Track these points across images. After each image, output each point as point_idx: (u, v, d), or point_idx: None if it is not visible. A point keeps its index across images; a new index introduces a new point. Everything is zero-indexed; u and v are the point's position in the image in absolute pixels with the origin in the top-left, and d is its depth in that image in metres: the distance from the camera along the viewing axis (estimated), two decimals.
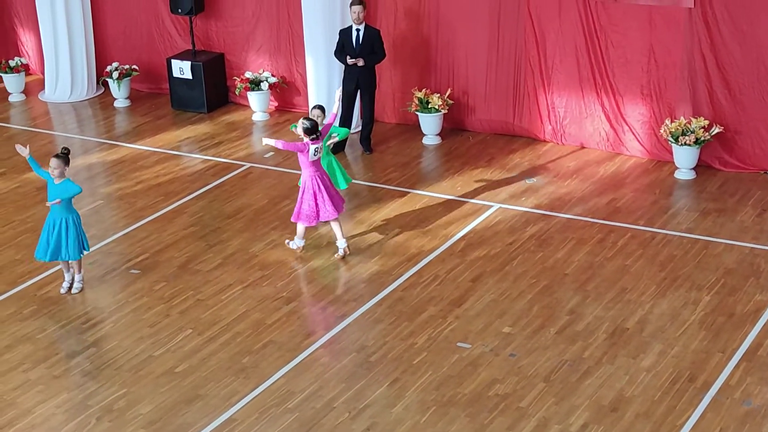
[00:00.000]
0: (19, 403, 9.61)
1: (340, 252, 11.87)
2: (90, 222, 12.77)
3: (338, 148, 14.17)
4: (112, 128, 15.78)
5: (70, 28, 16.49)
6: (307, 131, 11.57)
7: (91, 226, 12.69)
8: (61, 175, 11.06)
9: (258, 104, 15.85)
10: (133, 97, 16.68)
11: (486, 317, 10.65)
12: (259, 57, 16.07)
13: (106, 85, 16.86)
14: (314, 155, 11.62)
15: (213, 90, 16.15)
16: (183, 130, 15.56)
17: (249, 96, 15.88)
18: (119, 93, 16.50)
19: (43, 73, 17.25)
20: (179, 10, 15.98)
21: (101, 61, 16.92)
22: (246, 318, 10.80)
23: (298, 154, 11.62)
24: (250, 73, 15.90)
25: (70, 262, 11.27)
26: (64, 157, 11.09)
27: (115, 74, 16.38)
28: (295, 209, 11.82)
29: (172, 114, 16.15)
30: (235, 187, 13.70)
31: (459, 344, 10.23)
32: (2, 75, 16.96)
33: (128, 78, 16.52)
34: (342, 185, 12.47)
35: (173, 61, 16.06)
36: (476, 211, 12.80)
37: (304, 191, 11.72)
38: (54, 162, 11.04)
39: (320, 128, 11.72)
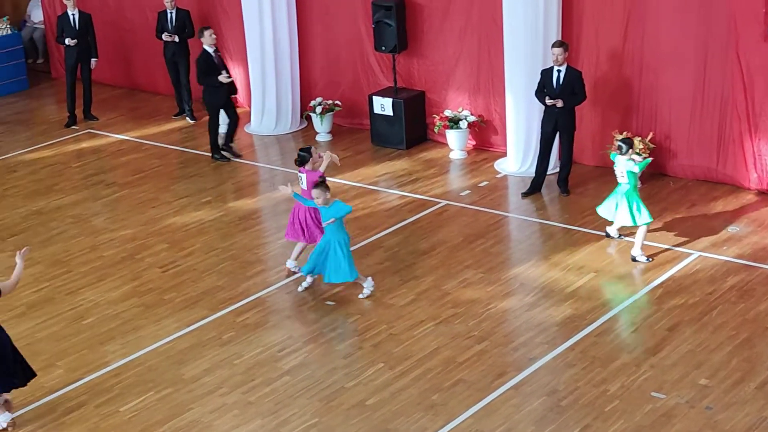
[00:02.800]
0: (215, 426, 9.88)
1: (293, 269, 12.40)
2: (287, 253, 13.04)
3: (534, 189, 14.21)
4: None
5: (277, 63, 16.98)
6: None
7: (288, 257, 12.95)
8: (326, 202, 11.56)
9: (456, 142, 15.93)
10: (335, 131, 17.02)
11: (682, 367, 10.36)
12: (458, 95, 16.16)
13: (309, 119, 17.27)
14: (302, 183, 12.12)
15: (412, 127, 16.33)
16: (381, 165, 15.77)
17: (447, 134, 15.98)
18: (321, 127, 16.86)
19: (250, 107, 17.80)
20: (383, 48, 16.24)
21: (305, 96, 17.34)
22: (437, 354, 10.81)
23: None
24: (450, 111, 16.02)
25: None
26: (322, 184, 11.63)
27: (319, 109, 16.76)
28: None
29: (371, 149, 16.40)
30: (431, 224, 13.78)
31: (653, 394, 9.98)
32: None
33: (331, 113, 16.87)
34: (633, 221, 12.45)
35: (375, 97, 16.32)
36: (675, 258, 12.50)
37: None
38: (315, 192, 11.58)
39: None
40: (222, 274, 12.69)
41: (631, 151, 12.34)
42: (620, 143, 12.42)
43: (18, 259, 9.92)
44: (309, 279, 12.15)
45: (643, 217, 12.39)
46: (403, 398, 10.12)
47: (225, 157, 16.13)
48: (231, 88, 16.04)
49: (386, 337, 11.19)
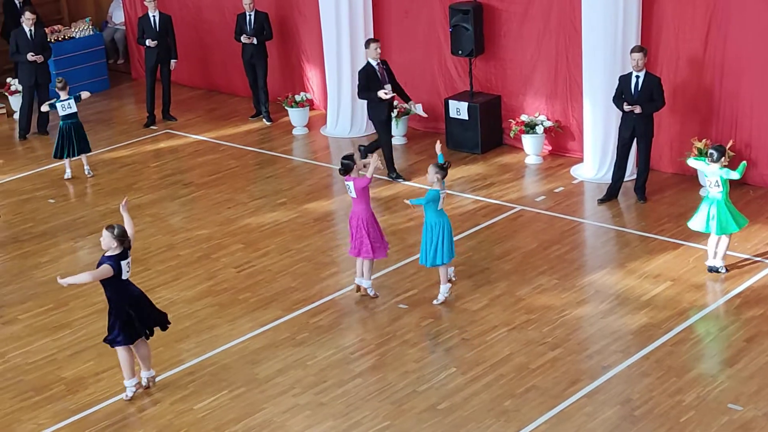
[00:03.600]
0: (287, 426, 9.94)
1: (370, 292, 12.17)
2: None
3: (610, 196, 14.09)
4: None
5: (353, 66, 17.03)
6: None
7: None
8: (431, 184, 11.75)
9: (532, 147, 15.86)
10: (410, 135, 17.04)
11: (760, 379, 10.20)
12: (535, 100, 16.09)
13: None
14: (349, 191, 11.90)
15: (488, 131, 16.29)
16: (456, 169, 15.74)
17: (523, 139, 15.92)
18: (397, 131, 16.87)
19: (325, 109, 17.88)
20: (460, 52, 16.22)
21: None
22: (510, 361, 10.77)
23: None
24: (526, 116, 15.95)
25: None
26: (444, 170, 11.68)
27: (395, 112, 16.76)
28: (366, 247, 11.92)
29: (446, 154, 16.37)
30: (506, 228, 13.73)
31: (730, 406, 9.84)
32: (288, 109, 17.69)
33: (406, 116, 16.89)
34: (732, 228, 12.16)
35: (451, 101, 16.31)
36: (755, 268, 12.31)
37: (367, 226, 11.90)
38: (433, 169, 11.66)
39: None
40: (296, 275, 12.77)
41: (723, 158, 12.07)
42: (712, 150, 12.10)
43: (123, 212, 10.58)
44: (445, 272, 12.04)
45: (733, 225, 12.10)
46: (474, 403, 10.10)
47: (400, 176, 15.33)
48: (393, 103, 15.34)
49: (459, 341, 11.18)
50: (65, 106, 15.88)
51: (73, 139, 15.94)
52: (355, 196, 11.89)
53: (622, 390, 10.18)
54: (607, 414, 9.82)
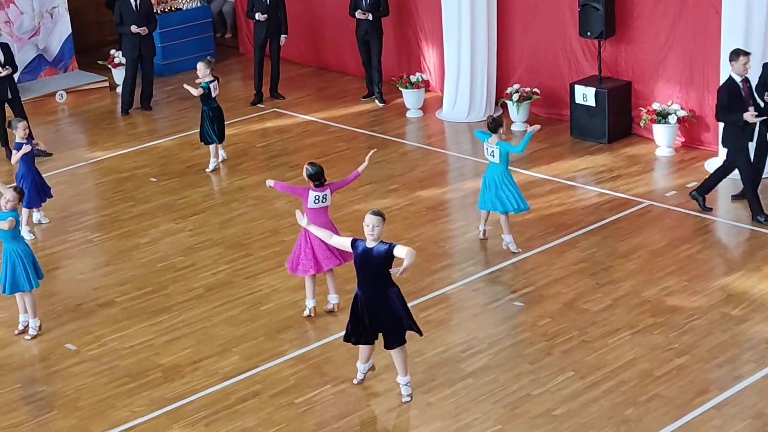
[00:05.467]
0: (392, 426, 10.00)
1: (329, 306, 11.93)
2: (474, 248, 13.10)
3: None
4: None
5: (473, 47, 17.00)
6: (310, 177, 11.52)
7: (476, 252, 13.02)
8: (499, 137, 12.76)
9: (663, 138, 15.64)
10: (532, 121, 16.91)
11: None
12: (668, 87, 15.86)
13: (504, 107, 17.23)
14: (314, 203, 11.48)
15: (616, 120, 16.11)
16: (580, 159, 15.61)
17: (654, 129, 15.71)
18: (517, 116, 16.81)
19: (442, 91, 17.88)
20: (588, 34, 16.06)
21: (502, 82, 17.31)
22: (633, 366, 10.66)
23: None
24: (658, 104, 15.73)
25: None
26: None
27: (515, 96, 16.70)
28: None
29: (570, 142, 16.26)
30: (632, 224, 13.58)
31: None
32: (402, 90, 17.72)
33: (528, 101, 16.80)
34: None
35: (577, 86, 16.17)
36: None
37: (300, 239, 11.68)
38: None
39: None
40: None
41: None
42: None
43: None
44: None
45: None
46: (593, 410, 10.02)
47: None
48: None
49: (578, 343, 11.09)
50: (216, 87, 15.64)
51: (215, 125, 15.66)
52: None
53: (754, 403, 10.00)
54: (737, 428, 9.66)
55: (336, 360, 11.03)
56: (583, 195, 14.51)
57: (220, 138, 15.82)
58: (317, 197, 11.54)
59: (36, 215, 14.34)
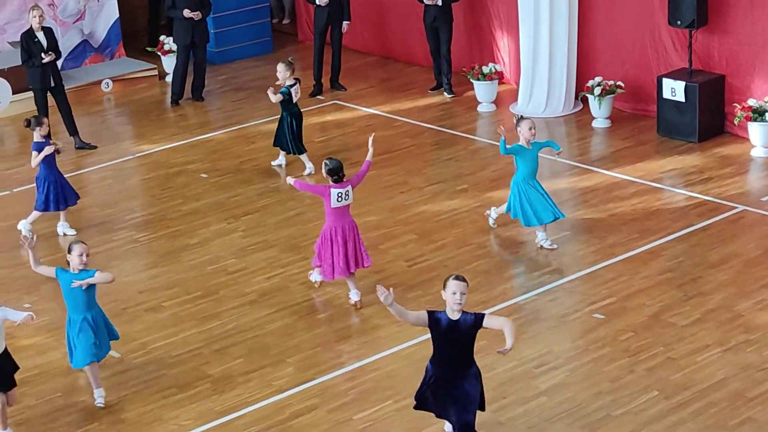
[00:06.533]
0: None
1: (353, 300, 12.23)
2: (551, 255, 13.03)
3: None
4: (587, 150, 16.02)
5: (552, 35, 16.94)
6: (330, 172, 11.75)
7: (552, 259, 12.96)
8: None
9: (760, 138, 15.49)
10: (615, 117, 16.84)
11: None
12: (766, 82, 15.71)
13: (585, 101, 17.15)
14: (337, 201, 11.59)
15: (708, 117, 15.98)
16: (668, 159, 15.51)
17: (750, 127, 15.57)
18: (599, 112, 16.71)
19: (517, 83, 17.83)
20: (678, 23, 15.94)
21: (583, 74, 17.23)
22: (723, 387, 10.56)
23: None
24: (754, 100, 15.58)
25: None
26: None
27: (597, 90, 16.61)
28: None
29: (656, 140, 16.15)
30: (724, 231, 13.46)
31: None
32: (474, 82, 17.70)
33: (611, 95, 16.71)
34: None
35: (665, 80, 16.06)
36: None
37: (321, 242, 11.97)
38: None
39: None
40: (476, 273, 12.77)
41: None
42: None
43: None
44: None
45: None
46: None
47: None
48: None
49: (663, 360, 11.01)
50: (297, 90, 15.44)
51: (295, 133, 15.55)
52: (338, 205, 12.20)
53: None
54: None
55: (399, 373, 11.03)
56: (671, 198, 14.41)
57: (300, 149, 15.66)
58: (340, 194, 11.83)
59: (60, 227, 14.22)
